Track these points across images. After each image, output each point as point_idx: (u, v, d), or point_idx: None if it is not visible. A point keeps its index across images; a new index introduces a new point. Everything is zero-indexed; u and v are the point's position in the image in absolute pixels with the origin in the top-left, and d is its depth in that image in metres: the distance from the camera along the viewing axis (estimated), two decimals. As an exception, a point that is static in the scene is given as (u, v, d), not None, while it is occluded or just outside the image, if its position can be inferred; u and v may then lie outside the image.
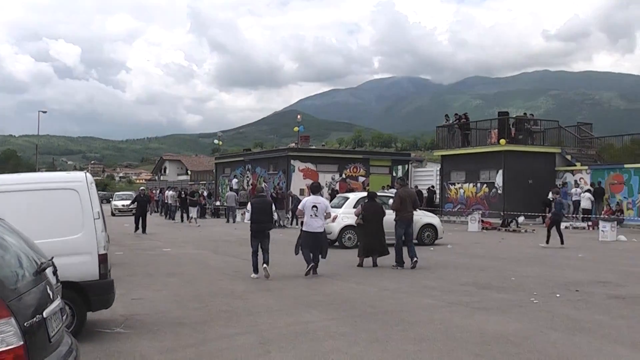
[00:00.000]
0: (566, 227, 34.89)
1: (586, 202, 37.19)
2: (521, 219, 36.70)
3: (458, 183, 44.25)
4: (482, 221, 35.81)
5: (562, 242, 24.30)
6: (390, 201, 21.54)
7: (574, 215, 37.78)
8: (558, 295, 13.63)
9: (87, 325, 10.78)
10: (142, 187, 38.64)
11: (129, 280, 16.60)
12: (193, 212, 43.56)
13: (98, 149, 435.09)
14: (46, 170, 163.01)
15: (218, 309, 12.38)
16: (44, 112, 78.03)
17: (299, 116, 62.78)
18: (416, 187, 48.95)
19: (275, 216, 18.47)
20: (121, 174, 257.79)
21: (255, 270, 16.91)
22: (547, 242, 24.76)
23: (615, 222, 29.68)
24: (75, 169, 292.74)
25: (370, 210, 19.35)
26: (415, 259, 18.51)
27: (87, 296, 10.13)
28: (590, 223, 35.05)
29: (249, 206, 17.87)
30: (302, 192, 46.70)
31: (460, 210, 42.62)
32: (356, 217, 19.92)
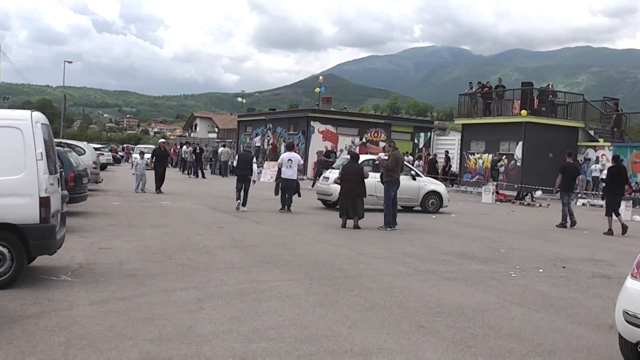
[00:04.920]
0: (583, 204, 34.04)
1: (607, 179, 36.08)
2: (538, 193, 35.82)
3: (477, 153, 43.28)
4: (497, 193, 34.95)
5: None
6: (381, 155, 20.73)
7: (593, 192, 36.73)
8: (541, 270, 12.90)
9: (35, 271, 10.44)
10: (162, 140, 36.67)
11: (108, 229, 16.24)
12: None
13: (134, 103, 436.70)
14: (81, 122, 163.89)
15: (178, 263, 11.83)
16: (70, 62, 77.62)
17: (320, 77, 61.86)
18: (435, 155, 48.09)
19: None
20: (156, 129, 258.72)
21: (238, 200, 22.63)
22: None
23: (631, 202, 28.63)
24: (110, 121, 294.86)
25: (348, 171, 18.84)
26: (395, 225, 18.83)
27: (26, 240, 9.57)
28: (608, 201, 33.90)
29: (236, 157, 26.56)
30: (321, 153, 45.97)
31: (479, 181, 41.67)
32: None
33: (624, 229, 20.77)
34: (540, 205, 32.39)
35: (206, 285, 9.95)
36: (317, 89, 56.16)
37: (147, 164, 29.76)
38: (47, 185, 9.68)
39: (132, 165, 31.86)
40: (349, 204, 18.47)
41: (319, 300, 9.24)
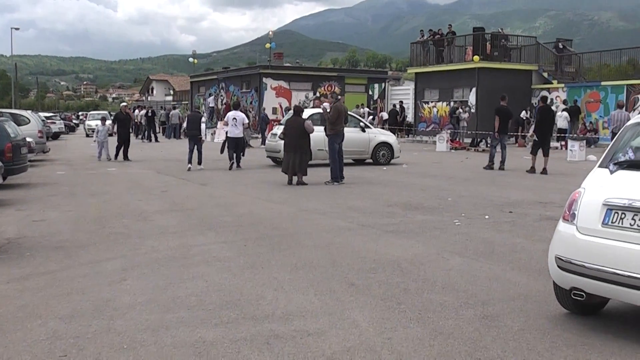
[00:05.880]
0: (538, 147, 33.84)
1: (563, 121, 35.75)
2: (493, 138, 35.59)
3: (432, 102, 42.97)
4: (451, 141, 34.71)
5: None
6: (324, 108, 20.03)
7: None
8: (487, 217, 12.62)
9: (-43, 249, 9.87)
10: (123, 104, 34.90)
11: (46, 200, 15.77)
12: None
13: (91, 69, 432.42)
14: (38, 91, 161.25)
15: (111, 232, 11.38)
16: (17, 29, 75.84)
17: (270, 32, 60.92)
18: (394, 106, 47.74)
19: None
20: (114, 95, 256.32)
21: (189, 162, 23.08)
22: None
23: (585, 142, 28.55)
24: (67, 89, 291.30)
25: (290, 125, 18.39)
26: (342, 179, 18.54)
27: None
28: (563, 143, 33.70)
29: (186, 118, 28.15)
30: (274, 110, 45.48)
31: (434, 129, 41.41)
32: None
33: (544, 171, 21.14)
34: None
35: (135, 254, 9.52)
36: (268, 45, 55.40)
37: (108, 130, 28.40)
38: None
39: (94, 133, 30.24)
40: (291, 158, 18.04)
41: (250, 262, 8.86)
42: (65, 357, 5.58)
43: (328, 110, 18.75)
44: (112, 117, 32.67)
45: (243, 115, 23.95)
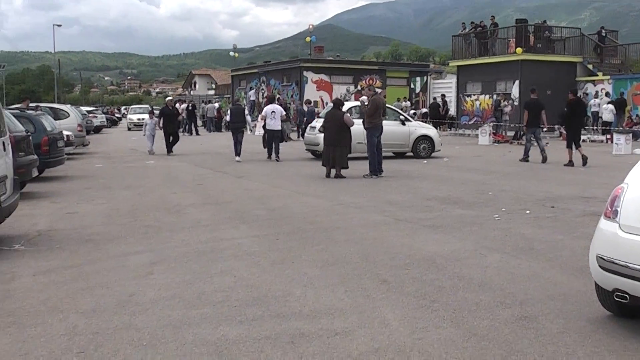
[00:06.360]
0: (583, 140, 33.15)
1: (608, 114, 35.09)
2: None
3: (474, 95, 42.37)
4: (494, 134, 34.19)
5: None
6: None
7: (593, 128, 35.85)
8: (528, 211, 12.23)
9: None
10: (168, 98, 34.40)
11: (81, 192, 15.69)
12: None
13: (134, 64, 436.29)
14: (82, 86, 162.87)
15: (143, 225, 11.21)
16: (59, 25, 76.38)
17: (310, 25, 60.49)
18: (434, 99, 47.30)
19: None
20: (157, 89, 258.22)
21: (236, 155, 23.52)
22: None
23: (631, 135, 27.88)
24: (112, 84, 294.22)
25: (330, 119, 18.13)
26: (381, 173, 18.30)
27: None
28: (609, 136, 33.00)
29: (229, 111, 27.71)
30: (315, 103, 45.18)
31: (477, 123, 40.83)
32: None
33: (584, 159, 20.95)
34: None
35: (164, 247, 9.33)
36: (308, 38, 55.16)
37: (156, 124, 27.72)
38: None
39: (143, 127, 29.71)
40: (330, 152, 17.82)
41: (280, 257, 8.61)
42: (82, 354, 5.38)
43: (366, 104, 18.46)
44: (153, 111, 32.30)
45: (281, 108, 24.78)
